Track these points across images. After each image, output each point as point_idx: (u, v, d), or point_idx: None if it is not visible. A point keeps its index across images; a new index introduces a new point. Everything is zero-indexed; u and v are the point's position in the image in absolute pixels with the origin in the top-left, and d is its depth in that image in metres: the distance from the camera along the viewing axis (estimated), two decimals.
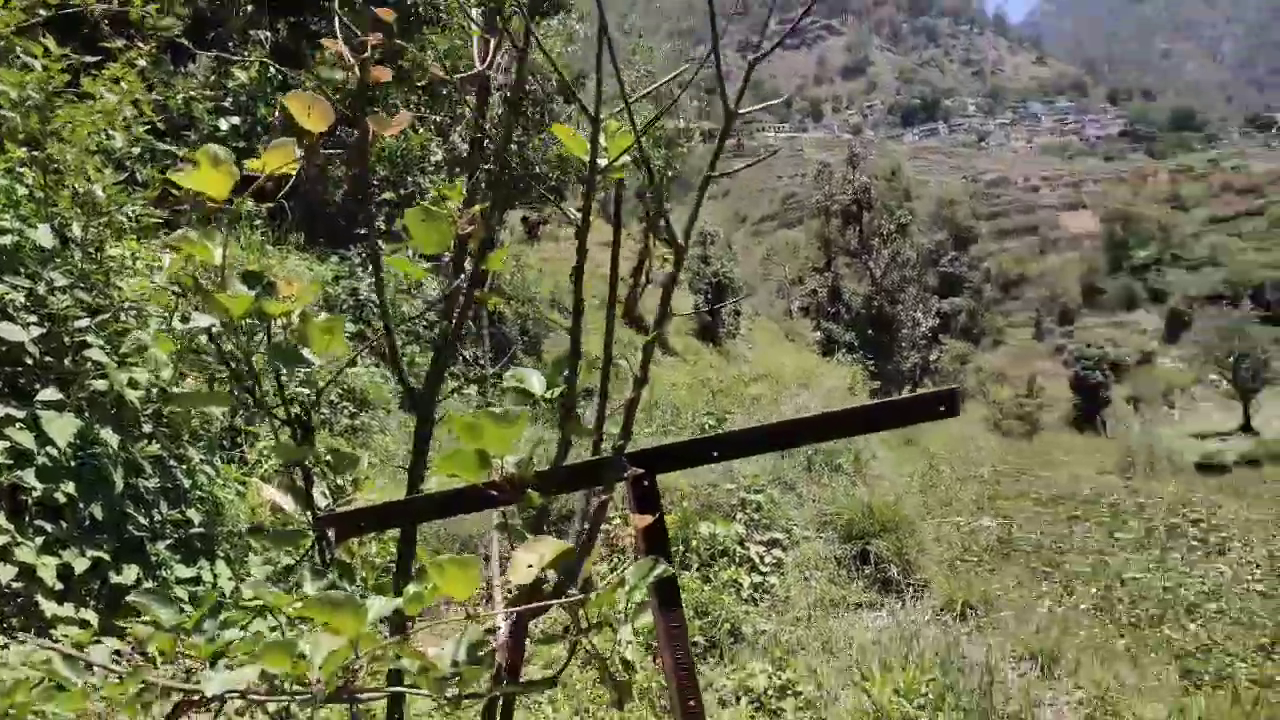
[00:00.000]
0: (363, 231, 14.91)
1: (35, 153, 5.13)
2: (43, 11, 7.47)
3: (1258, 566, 11.73)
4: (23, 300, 4.40)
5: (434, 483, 2.39)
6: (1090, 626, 7.70)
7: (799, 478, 9.19)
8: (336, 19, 2.45)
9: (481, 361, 14.96)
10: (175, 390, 4.73)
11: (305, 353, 2.11)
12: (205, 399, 2.16)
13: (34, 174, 4.99)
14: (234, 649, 1.62)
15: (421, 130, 19.42)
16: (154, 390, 4.64)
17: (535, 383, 1.90)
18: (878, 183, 36.27)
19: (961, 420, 24.13)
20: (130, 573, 4.17)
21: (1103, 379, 48.22)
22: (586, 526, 2.02)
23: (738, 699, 5.18)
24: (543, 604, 1.66)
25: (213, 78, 16.89)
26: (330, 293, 12.82)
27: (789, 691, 5.28)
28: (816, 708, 5.16)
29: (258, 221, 12.72)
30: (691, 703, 1.93)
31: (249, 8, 17.43)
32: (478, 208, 2.19)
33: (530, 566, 1.58)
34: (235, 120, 14.53)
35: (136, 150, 5.74)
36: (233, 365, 2.14)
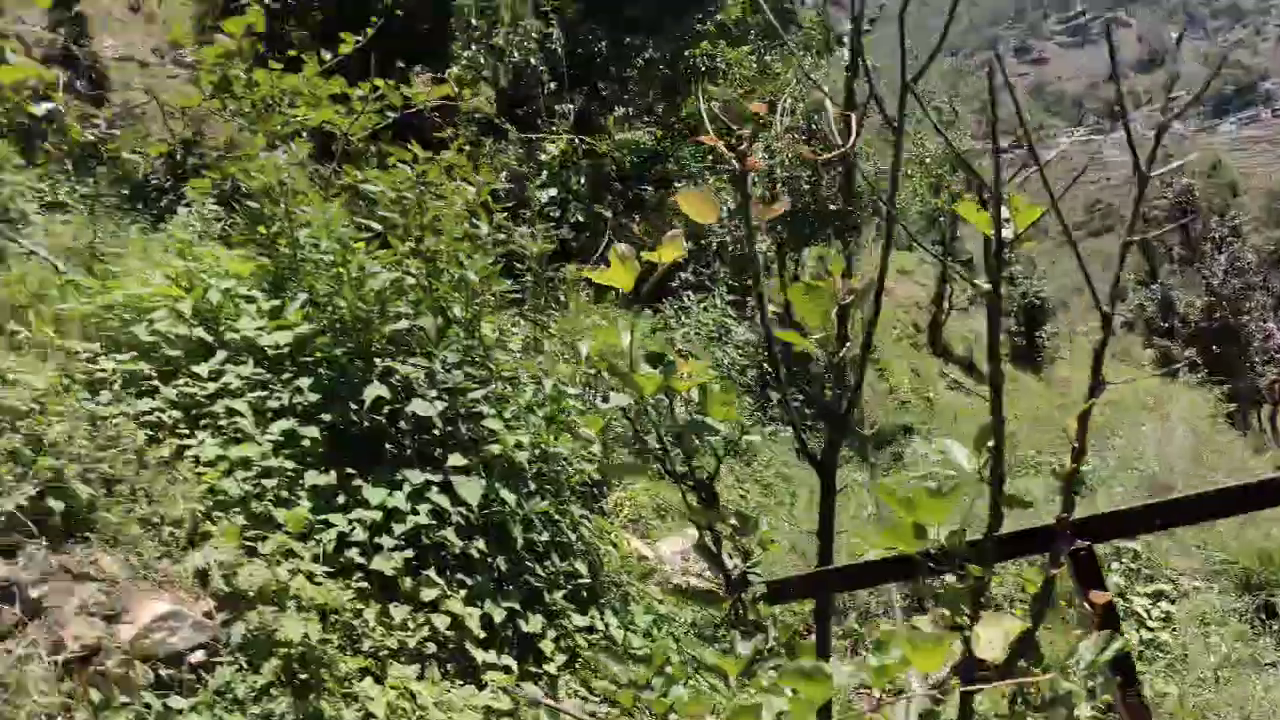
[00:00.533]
0: (673, 284, 15.40)
1: (415, 245, 5.84)
2: (390, 113, 8.53)
3: None
4: (423, 378, 5.04)
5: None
6: None
7: None
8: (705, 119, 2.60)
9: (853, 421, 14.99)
10: (553, 450, 5.23)
11: (709, 421, 2.34)
12: (629, 469, 2.43)
13: (417, 265, 5.66)
14: (680, 707, 1.77)
15: (712, 180, 19.98)
16: (535, 450, 5.15)
17: (959, 455, 1.95)
18: (1197, 180, 33.00)
19: None
20: (535, 622, 4.63)
21: None
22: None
23: None
24: (1001, 684, 1.71)
25: (523, 151, 18.26)
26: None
27: None
28: None
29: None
30: None
31: (551, 84, 18.73)
32: (855, 280, 2.30)
33: (992, 644, 1.65)
34: (552, 191, 15.69)
35: (502, 235, 6.38)
36: (643, 436, 2.38)
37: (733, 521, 2.38)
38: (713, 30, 22.46)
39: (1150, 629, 6.24)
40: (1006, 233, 1.99)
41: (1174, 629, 6.36)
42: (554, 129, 17.78)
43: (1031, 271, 26.53)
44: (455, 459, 4.73)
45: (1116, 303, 2.10)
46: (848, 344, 2.25)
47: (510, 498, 4.72)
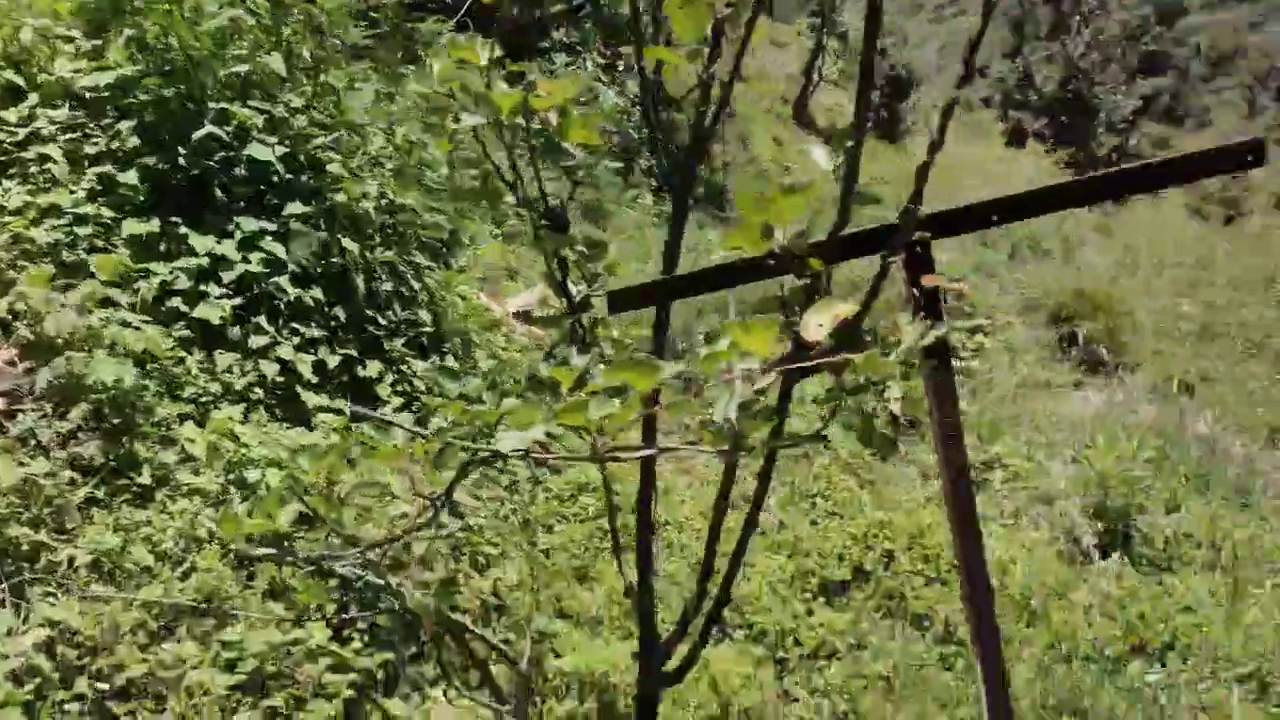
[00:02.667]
0: (543, 45, 14.66)
1: None
2: None
3: None
4: (262, 123, 4.70)
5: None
6: None
7: (1002, 265, 9.01)
8: None
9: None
10: (401, 201, 5.03)
11: (566, 146, 2.21)
12: (479, 194, 2.31)
13: (258, 2, 5.15)
14: (508, 418, 1.75)
15: None
16: (383, 200, 4.95)
17: (820, 155, 1.90)
18: None
19: (1157, 207, 22.59)
20: (374, 367, 4.58)
21: None
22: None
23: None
24: (823, 362, 1.74)
25: None
26: None
27: (996, 464, 5.43)
28: (1024, 478, 5.29)
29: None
30: (956, 455, 2.03)
31: None
32: None
33: (820, 326, 1.66)
34: None
35: None
36: (494, 163, 2.26)
37: (580, 247, 2.31)
38: None
39: (962, 358, 6.71)
40: None
41: (984, 358, 6.88)
42: None
43: (902, 44, 26.39)
44: (294, 207, 4.50)
45: (975, 77, 2.04)
46: (718, 61, 2.12)
47: (353, 246, 4.55)
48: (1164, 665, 3.94)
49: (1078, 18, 28.39)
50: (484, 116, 2.10)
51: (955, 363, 6.67)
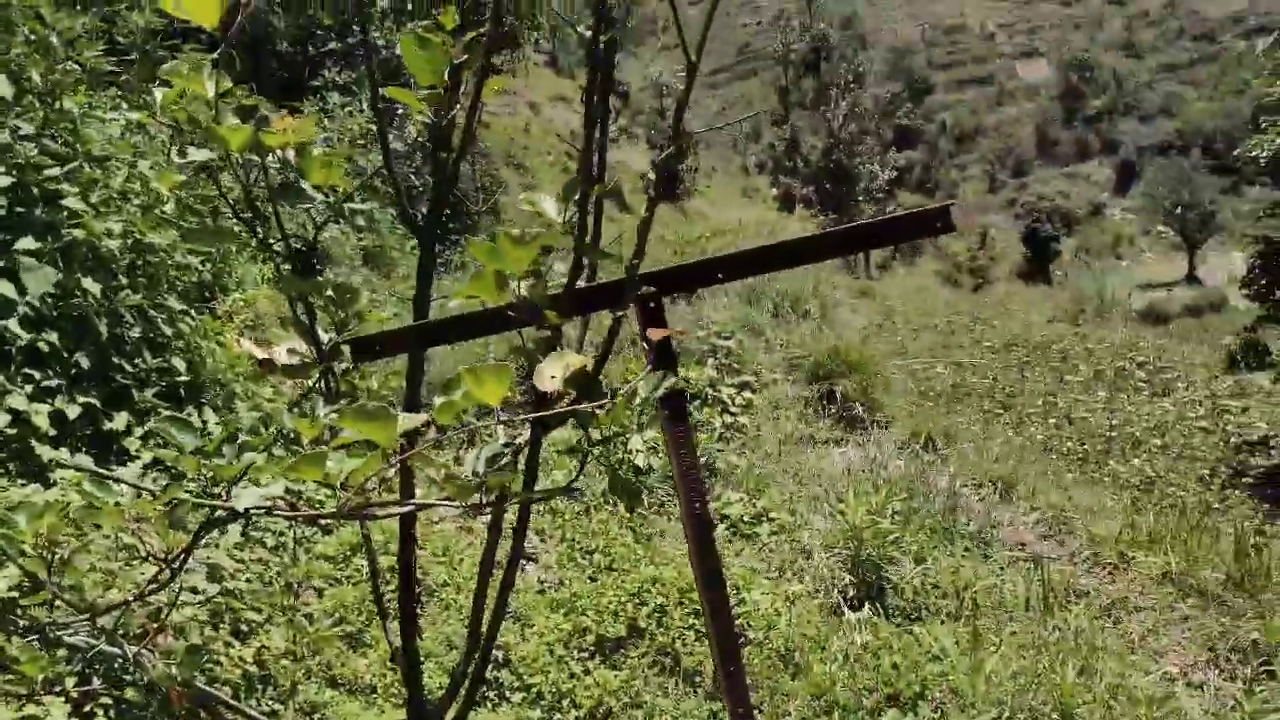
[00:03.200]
0: (316, 83, 14.33)
1: None
2: None
3: (1200, 404, 12.30)
4: None
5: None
6: (1042, 460, 8.14)
7: (766, 324, 9.43)
8: None
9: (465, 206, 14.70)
10: (150, 240, 4.71)
11: (305, 187, 2.12)
12: (212, 235, 2.19)
13: None
14: (253, 472, 1.68)
15: None
16: (130, 239, 4.62)
17: (549, 206, 1.91)
18: (833, 30, 35.28)
19: (914, 274, 24.46)
20: (121, 419, 4.25)
21: (1053, 231, 48.45)
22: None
23: (716, 525, 5.43)
24: (558, 413, 1.73)
25: None
26: None
27: (763, 518, 5.61)
28: (789, 531, 5.48)
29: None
30: (697, 505, 2.07)
31: None
32: (472, 34, 2.16)
33: (554, 377, 1.66)
34: None
35: None
36: (231, 201, 2.15)
37: (330, 293, 2.23)
38: None
39: (733, 414, 6.97)
40: None
41: (752, 414, 7.17)
42: None
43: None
44: (26, 243, 4.13)
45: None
46: (458, 106, 2.09)
47: (94, 288, 4.22)
48: (916, 714, 4.09)
49: (835, 90, 30.40)
50: (213, 152, 1.99)
51: (727, 418, 6.90)
